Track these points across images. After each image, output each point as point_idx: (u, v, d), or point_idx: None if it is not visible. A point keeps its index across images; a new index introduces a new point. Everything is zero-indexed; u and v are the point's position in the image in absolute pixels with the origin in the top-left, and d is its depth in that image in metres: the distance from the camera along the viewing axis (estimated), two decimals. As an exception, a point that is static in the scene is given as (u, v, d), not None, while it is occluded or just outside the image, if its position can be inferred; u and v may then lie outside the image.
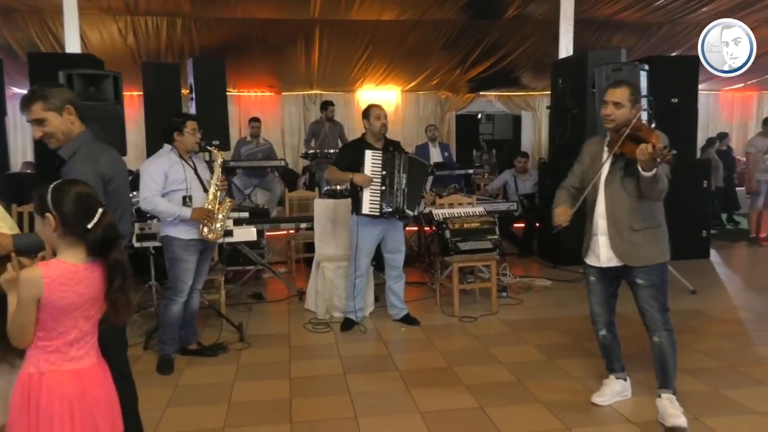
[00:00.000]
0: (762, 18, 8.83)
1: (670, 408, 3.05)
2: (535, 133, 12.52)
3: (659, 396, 3.10)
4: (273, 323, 4.99)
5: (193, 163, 4.04)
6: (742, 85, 11.70)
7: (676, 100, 6.78)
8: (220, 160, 4.11)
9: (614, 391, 3.32)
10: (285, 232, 6.68)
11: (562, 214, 3.17)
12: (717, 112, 12.45)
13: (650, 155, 2.78)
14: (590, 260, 3.26)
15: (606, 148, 3.16)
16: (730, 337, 4.33)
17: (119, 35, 8.99)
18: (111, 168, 2.64)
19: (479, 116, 14.59)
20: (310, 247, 6.89)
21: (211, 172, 4.13)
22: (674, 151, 2.77)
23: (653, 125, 3.05)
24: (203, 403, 3.45)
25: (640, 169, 2.86)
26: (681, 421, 2.97)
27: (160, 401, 3.45)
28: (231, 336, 4.51)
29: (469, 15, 9.33)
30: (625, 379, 3.37)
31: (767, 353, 4.05)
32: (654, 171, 2.83)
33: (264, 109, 11.56)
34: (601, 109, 3.24)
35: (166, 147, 3.99)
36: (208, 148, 4.24)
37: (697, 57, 7.22)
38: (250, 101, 11.66)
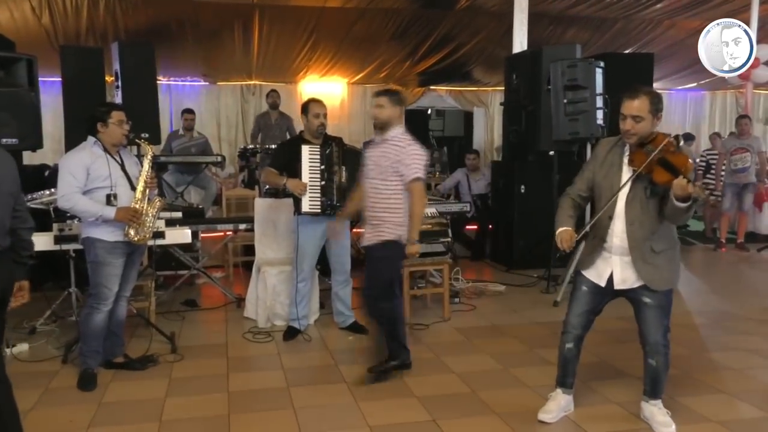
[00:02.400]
0: (713, 16, 9.24)
1: (660, 415, 3.18)
2: (488, 130, 12.71)
3: (647, 402, 3.24)
4: (209, 333, 4.88)
5: (120, 157, 3.90)
6: (695, 84, 12.20)
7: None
8: (149, 155, 3.98)
9: (560, 406, 3.36)
10: (222, 233, 6.55)
11: (567, 240, 3.10)
12: (670, 112, 12.93)
13: (688, 192, 2.74)
14: (590, 275, 3.21)
15: (626, 162, 3.07)
16: (684, 343, 4.49)
17: (32, 14, 8.60)
18: None
19: (429, 112, 14.66)
20: (249, 250, 6.80)
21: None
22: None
23: (681, 143, 2.97)
24: (130, 422, 3.33)
25: (674, 199, 2.83)
26: (671, 430, 3.13)
27: (81, 421, 3.31)
28: (162, 347, 4.38)
29: (419, 4, 9.40)
30: (570, 394, 3.40)
31: (722, 359, 4.23)
32: (688, 203, 2.81)
33: (198, 100, 11.31)
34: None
35: (90, 140, 3.84)
36: (137, 141, 4.11)
37: (653, 54, 7.52)
38: (181, 91, 11.38)
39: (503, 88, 12.07)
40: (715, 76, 10.43)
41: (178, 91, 11.40)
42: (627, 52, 10.14)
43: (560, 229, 3.17)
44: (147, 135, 5.36)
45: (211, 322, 5.19)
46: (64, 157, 3.87)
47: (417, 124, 13.32)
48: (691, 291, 6.22)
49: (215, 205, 7.85)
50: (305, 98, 11.88)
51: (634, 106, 2.98)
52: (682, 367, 4.01)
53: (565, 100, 5.70)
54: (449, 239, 5.17)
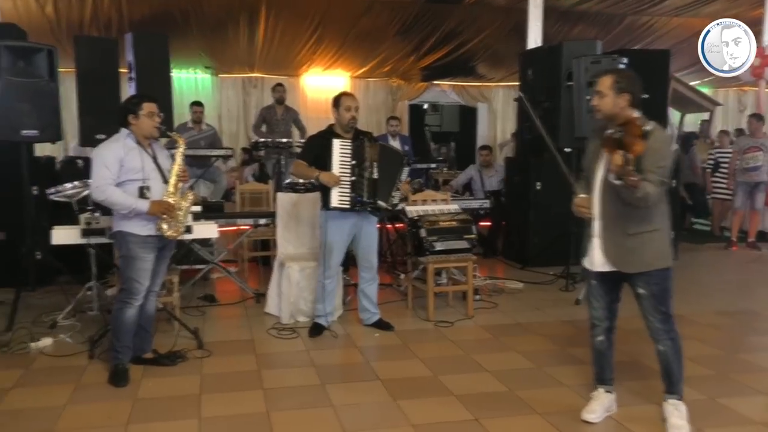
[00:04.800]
0: (719, 9, 9.31)
1: (674, 417, 3.16)
2: (491, 126, 12.73)
3: (665, 400, 3.23)
4: (232, 328, 4.86)
5: (153, 150, 3.87)
6: (699, 82, 12.29)
7: (647, 96, 7.03)
8: (182, 148, 3.94)
9: (604, 406, 3.36)
10: (236, 228, 6.50)
11: (580, 203, 3.19)
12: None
13: (618, 169, 2.80)
14: (587, 262, 3.31)
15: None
16: (715, 343, 4.53)
17: (35, 3, 8.50)
18: None
19: (425, 107, 14.59)
20: (263, 245, 6.78)
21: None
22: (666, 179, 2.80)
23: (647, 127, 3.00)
24: (170, 419, 3.31)
25: (609, 174, 2.91)
26: None
27: (119, 417, 3.28)
28: (187, 343, 4.35)
29: (426, -1, 9.39)
30: (612, 392, 3.41)
31: (755, 360, 4.27)
32: (620, 182, 2.85)
33: (199, 91, 11.24)
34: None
35: (123, 131, 3.79)
36: (169, 134, 4.07)
37: (669, 51, 7.55)
38: (183, 83, 11.29)
39: (508, 83, 12.36)
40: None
41: (179, 83, 11.30)
42: (635, 48, 10.18)
43: (578, 196, 3.25)
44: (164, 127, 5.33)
45: (233, 317, 5.17)
46: (98, 148, 3.82)
47: (414, 119, 13.33)
48: (712, 290, 6.26)
49: (224, 199, 7.79)
50: (308, 92, 12.02)
51: (599, 81, 3.13)
52: (718, 368, 4.05)
53: (587, 97, 5.69)
54: (474, 236, 5.17)
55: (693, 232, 9.65)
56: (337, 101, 4.60)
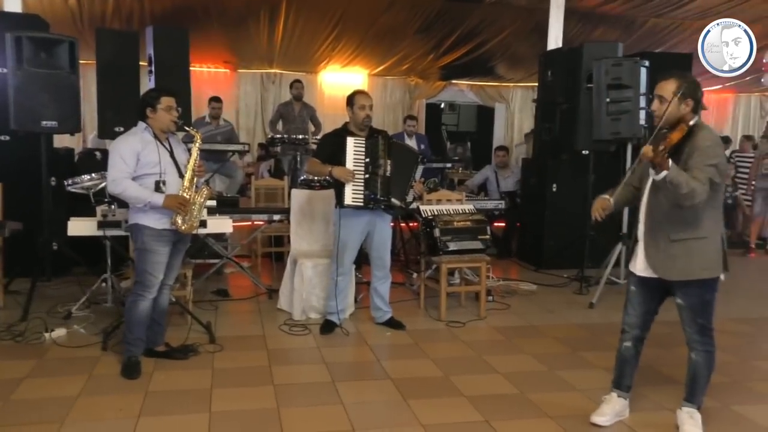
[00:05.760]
0: (751, 16, 9.17)
1: (688, 425, 3.12)
2: (508, 126, 12.65)
3: (681, 408, 3.19)
4: (244, 323, 4.87)
5: (170, 144, 3.88)
6: (719, 87, 12.13)
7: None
8: (198, 142, 3.94)
9: (615, 410, 3.31)
10: (249, 223, 6.52)
11: (599, 208, 3.16)
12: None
13: (649, 158, 2.79)
14: (632, 264, 3.27)
15: None
16: (731, 350, 4.47)
17: (60, -6, 8.57)
18: None
19: (441, 105, 14.53)
20: (277, 241, 6.79)
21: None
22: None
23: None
24: (180, 412, 3.31)
25: (650, 170, 2.88)
26: None
27: (130, 410, 3.30)
28: (199, 337, 4.37)
29: (448, -4, 9.34)
30: (626, 399, 3.37)
31: (773, 368, 4.21)
32: (662, 174, 2.81)
33: (218, 87, 11.24)
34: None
35: (140, 125, 3.81)
36: (186, 128, 4.07)
37: (692, 54, 7.45)
38: (202, 77, 11.33)
39: (527, 84, 12.28)
40: (742, 77, 10.35)
41: (197, 77, 11.33)
42: (657, 51, 10.07)
43: (598, 197, 3.22)
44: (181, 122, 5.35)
45: (245, 312, 5.18)
46: (116, 141, 3.84)
47: (430, 118, 13.29)
48: (729, 297, 6.16)
49: (239, 194, 7.81)
50: (325, 89, 12.02)
51: (661, 86, 3.04)
52: (733, 375, 4.00)
53: (607, 99, 5.66)
54: (488, 236, 5.14)
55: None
56: (351, 100, 4.60)
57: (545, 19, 7.86)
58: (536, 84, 8.23)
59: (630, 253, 3.33)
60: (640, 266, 3.18)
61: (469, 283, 5.61)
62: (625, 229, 6.10)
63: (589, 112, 5.96)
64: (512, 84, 12.48)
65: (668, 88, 2.99)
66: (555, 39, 7.32)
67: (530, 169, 7.54)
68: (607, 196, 3.24)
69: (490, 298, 5.55)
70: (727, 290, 6.31)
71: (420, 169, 4.77)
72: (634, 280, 3.25)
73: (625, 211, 5.92)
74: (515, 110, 12.63)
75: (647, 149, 2.81)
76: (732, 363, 4.22)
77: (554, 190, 6.97)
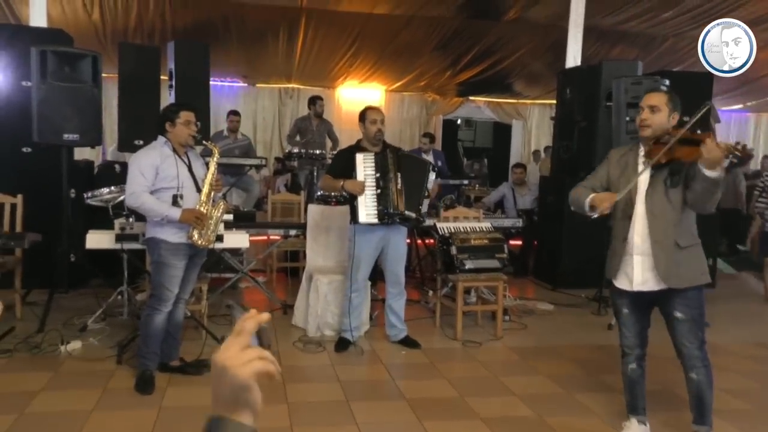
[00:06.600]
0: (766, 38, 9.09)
1: None
2: (525, 143, 12.61)
3: (694, 430, 3.11)
4: (259, 339, 4.83)
5: (188, 158, 3.88)
6: (740, 106, 12.03)
7: (687, 119, 6.88)
8: (216, 157, 3.95)
9: None
10: (265, 237, 6.51)
11: (608, 199, 3.05)
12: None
13: (723, 151, 2.71)
14: (620, 282, 3.19)
15: (642, 160, 3.09)
16: (754, 375, 4.37)
17: (83, 9, 8.69)
18: None
19: (458, 122, 14.53)
20: (292, 256, 6.78)
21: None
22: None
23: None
24: (194, 430, 3.27)
25: (704, 170, 2.80)
26: None
27: (144, 426, 3.27)
28: (214, 352, 4.33)
29: (467, 14, 9.35)
30: (646, 423, 3.30)
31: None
32: (720, 172, 2.78)
33: (236, 101, 11.36)
34: (636, 118, 3.19)
35: (160, 139, 3.82)
36: (204, 142, 4.08)
37: (711, 74, 7.38)
38: (221, 92, 11.43)
39: (544, 101, 12.25)
40: (762, 98, 10.26)
41: (216, 92, 11.42)
42: (675, 70, 10.00)
43: (591, 196, 3.13)
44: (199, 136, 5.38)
45: (260, 328, 5.14)
46: (135, 155, 3.86)
47: (446, 134, 13.28)
48: (751, 320, 6.06)
49: (255, 209, 7.82)
50: (343, 104, 12.08)
51: (654, 97, 3.05)
52: (755, 402, 3.90)
53: (627, 118, 5.60)
54: (505, 255, 5.08)
55: (738, 259, 9.42)
56: (362, 115, 4.62)
57: (563, 36, 7.83)
58: (554, 101, 8.20)
59: (614, 271, 3.18)
60: (637, 280, 3.09)
61: (486, 302, 5.55)
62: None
63: (608, 130, 5.90)
64: (530, 101, 12.47)
65: (661, 98, 3.03)
66: (574, 57, 7.29)
67: (548, 187, 7.47)
68: (598, 192, 3.15)
69: (507, 317, 5.48)
70: (751, 314, 6.28)
71: (431, 177, 4.72)
72: (624, 300, 3.19)
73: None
74: (532, 127, 12.59)
75: (718, 145, 2.72)
76: (754, 389, 4.12)
77: (572, 208, 6.87)
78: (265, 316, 1.00)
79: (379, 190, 4.46)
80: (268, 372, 0.95)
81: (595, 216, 3.08)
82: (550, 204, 7.27)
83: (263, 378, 0.94)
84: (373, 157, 4.51)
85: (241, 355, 0.94)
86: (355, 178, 4.46)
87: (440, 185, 7.01)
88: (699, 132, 2.96)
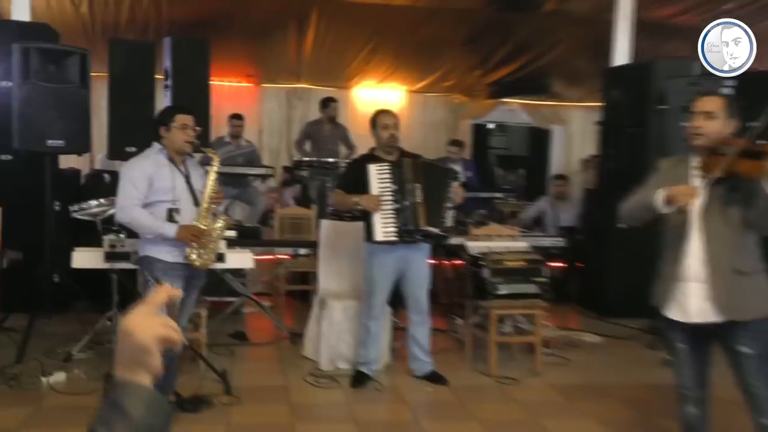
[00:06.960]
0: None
1: None
2: (567, 152, 12.54)
3: None
4: (264, 372, 4.87)
5: (186, 168, 3.90)
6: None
7: (755, 123, 6.82)
8: (216, 166, 3.96)
9: None
10: (272, 257, 6.53)
11: (690, 192, 2.91)
12: None
13: None
14: (673, 313, 3.10)
15: (696, 172, 3.03)
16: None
17: (70, 2, 8.83)
18: None
19: (489, 126, 14.47)
20: (302, 278, 6.78)
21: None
22: None
23: None
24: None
25: None
26: None
27: (134, 470, 3.26)
28: (214, 386, 4.34)
29: (498, 6, 9.37)
30: None
31: None
32: None
33: (239, 102, 11.40)
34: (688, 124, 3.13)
35: (155, 146, 3.86)
36: (202, 149, 4.10)
37: (787, 74, 7.33)
38: (222, 92, 11.50)
39: (587, 104, 12.19)
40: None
41: (217, 92, 11.53)
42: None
43: (665, 189, 2.97)
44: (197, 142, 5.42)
45: (265, 359, 5.17)
46: (127, 164, 3.90)
47: (477, 140, 13.23)
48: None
49: (260, 224, 7.85)
50: (359, 106, 12.13)
51: (707, 101, 3.02)
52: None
53: (684, 124, 5.55)
54: (544, 279, 5.04)
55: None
56: (373, 121, 4.65)
57: (609, 31, 7.82)
58: (599, 104, 8.16)
59: (663, 299, 3.11)
60: (693, 310, 3.01)
61: (523, 333, 5.51)
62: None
63: (662, 137, 5.88)
64: (571, 103, 12.41)
65: (717, 103, 2.99)
66: (621, 54, 7.28)
67: (593, 202, 7.42)
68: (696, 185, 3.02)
69: (547, 350, 5.43)
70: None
71: (455, 185, 4.68)
72: (679, 334, 3.12)
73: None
74: (574, 133, 12.52)
75: None
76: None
77: (622, 226, 6.82)
78: (177, 291, 1.24)
79: (397, 205, 4.44)
80: (170, 339, 1.11)
81: (672, 211, 2.97)
82: (595, 221, 7.21)
83: (165, 344, 1.10)
84: (388, 167, 4.50)
85: (147, 320, 1.10)
86: (369, 191, 4.45)
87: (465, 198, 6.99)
88: (765, 143, 2.89)
